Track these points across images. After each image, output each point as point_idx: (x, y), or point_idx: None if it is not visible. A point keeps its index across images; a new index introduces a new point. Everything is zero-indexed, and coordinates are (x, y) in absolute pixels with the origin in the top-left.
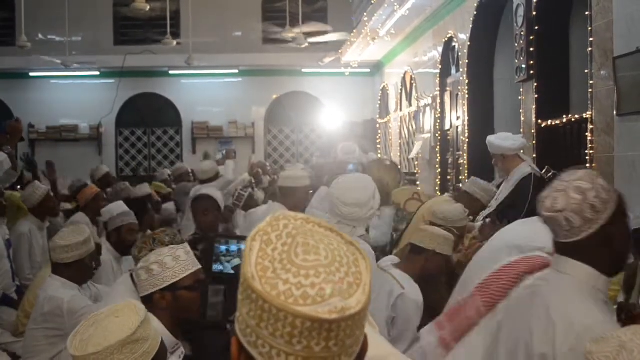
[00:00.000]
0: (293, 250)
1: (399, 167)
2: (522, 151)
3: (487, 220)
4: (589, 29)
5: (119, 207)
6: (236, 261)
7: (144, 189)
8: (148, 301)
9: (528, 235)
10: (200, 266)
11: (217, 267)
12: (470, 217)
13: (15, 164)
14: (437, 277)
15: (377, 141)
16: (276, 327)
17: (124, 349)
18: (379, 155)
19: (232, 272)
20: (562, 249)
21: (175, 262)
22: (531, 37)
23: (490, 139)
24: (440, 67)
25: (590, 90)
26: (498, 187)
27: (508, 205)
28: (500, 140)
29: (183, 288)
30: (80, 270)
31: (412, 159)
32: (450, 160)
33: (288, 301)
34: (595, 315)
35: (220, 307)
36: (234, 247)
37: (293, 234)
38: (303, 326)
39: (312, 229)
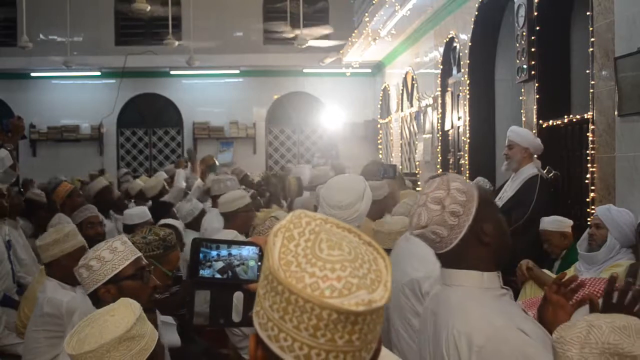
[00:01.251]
0: (317, 246)
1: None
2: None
3: None
4: (590, 29)
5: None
6: (247, 268)
7: (101, 183)
8: (95, 298)
9: (405, 269)
10: (139, 253)
11: (207, 272)
12: None
13: (15, 163)
14: None
15: (378, 142)
16: (301, 320)
17: (120, 346)
18: (380, 156)
19: (244, 277)
20: (444, 261)
21: (112, 254)
22: (532, 38)
23: (520, 129)
24: (441, 67)
25: (591, 90)
26: (501, 187)
27: (512, 205)
28: (529, 134)
29: (125, 278)
30: (62, 271)
31: (414, 159)
32: (451, 161)
33: (314, 293)
34: (487, 323)
35: (207, 312)
36: (224, 252)
37: (316, 231)
38: (329, 318)
39: (330, 228)
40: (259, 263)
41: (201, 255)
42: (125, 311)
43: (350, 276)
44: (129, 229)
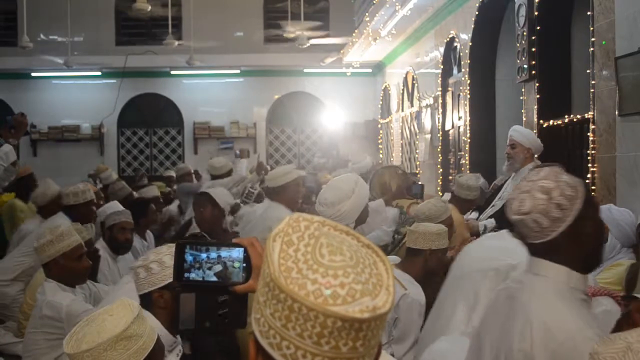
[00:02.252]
0: (318, 251)
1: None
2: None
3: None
4: (591, 29)
5: (111, 206)
6: (217, 267)
7: (152, 191)
8: (147, 299)
9: (498, 254)
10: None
11: (196, 274)
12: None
13: (17, 160)
14: (438, 274)
15: (379, 141)
16: (305, 328)
17: (117, 345)
18: (381, 156)
19: (214, 279)
20: (534, 250)
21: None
22: (533, 37)
23: (523, 129)
24: (441, 67)
25: (592, 90)
26: (501, 186)
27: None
28: (532, 134)
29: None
30: (59, 272)
31: (415, 159)
32: (452, 161)
33: (318, 300)
34: (571, 321)
35: (193, 315)
36: (213, 254)
37: (316, 235)
38: (334, 326)
39: (328, 231)
40: (244, 264)
41: (190, 257)
42: (124, 311)
43: (353, 282)
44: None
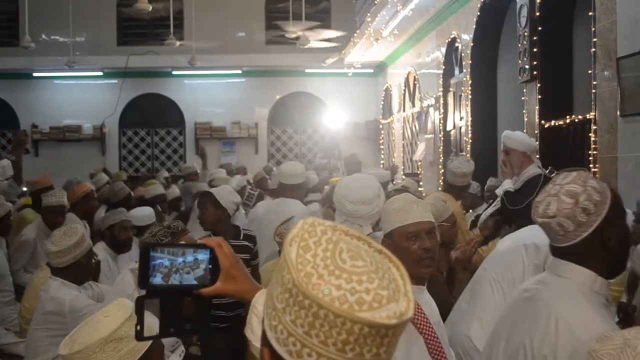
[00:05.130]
0: (338, 256)
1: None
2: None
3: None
4: (593, 29)
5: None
6: (199, 272)
7: (157, 189)
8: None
9: (539, 234)
10: None
11: (160, 278)
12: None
13: (21, 177)
14: (437, 274)
15: (380, 142)
16: (329, 334)
17: (106, 347)
18: (382, 156)
19: (178, 282)
20: (559, 252)
21: None
22: (534, 38)
23: (515, 134)
24: (443, 67)
25: (593, 90)
26: (489, 190)
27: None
28: (525, 136)
29: None
30: (78, 272)
31: (416, 160)
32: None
33: (344, 307)
34: (595, 322)
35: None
36: (190, 258)
37: (334, 240)
38: (360, 332)
39: (341, 236)
40: (210, 266)
41: (156, 261)
42: (119, 312)
43: (378, 288)
44: (140, 231)
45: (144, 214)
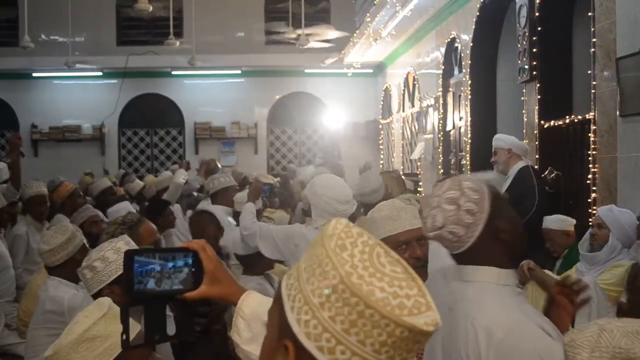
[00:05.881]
0: (376, 260)
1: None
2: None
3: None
4: (592, 29)
5: (125, 207)
6: (181, 275)
7: (104, 183)
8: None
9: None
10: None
11: (144, 284)
12: None
13: (19, 180)
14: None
15: (380, 142)
16: (370, 334)
17: (79, 347)
18: (382, 157)
19: (162, 288)
20: (459, 259)
21: (117, 254)
22: (534, 38)
23: (500, 134)
24: (442, 67)
25: (593, 91)
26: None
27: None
28: (509, 136)
29: None
30: (73, 268)
31: (415, 160)
32: (452, 161)
33: (387, 309)
34: (510, 315)
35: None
36: (180, 263)
37: (370, 244)
38: (400, 336)
39: (374, 240)
40: (193, 269)
41: (139, 267)
42: (97, 312)
43: (418, 295)
44: None
45: (118, 209)
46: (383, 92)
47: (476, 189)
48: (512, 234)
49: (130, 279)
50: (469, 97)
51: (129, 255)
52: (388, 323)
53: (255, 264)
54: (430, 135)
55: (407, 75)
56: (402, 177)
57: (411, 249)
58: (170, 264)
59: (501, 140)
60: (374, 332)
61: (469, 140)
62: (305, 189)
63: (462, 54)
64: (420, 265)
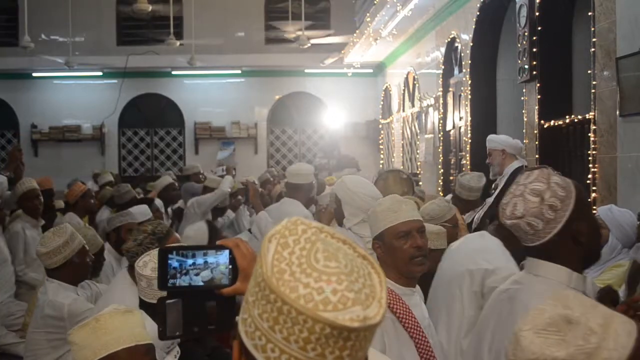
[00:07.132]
0: (313, 256)
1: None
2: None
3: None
4: (592, 29)
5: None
6: (206, 274)
7: (166, 180)
8: (148, 306)
9: (476, 257)
10: None
11: (183, 280)
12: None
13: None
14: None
15: (380, 142)
16: (292, 331)
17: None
18: (381, 159)
19: (201, 283)
20: (532, 251)
21: None
22: (534, 38)
23: (493, 135)
24: (442, 67)
25: (593, 90)
26: (495, 188)
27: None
28: (503, 136)
29: None
30: (72, 271)
31: (415, 159)
32: (452, 161)
33: (308, 305)
34: None
35: (181, 322)
36: (200, 260)
37: (312, 240)
38: (322, 332)
39: (325, 238)
40: (230, 266)
41: (177, 264)
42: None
43: (346, 290)
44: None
45: (139, 211)
46: (383, 92)
47: (564, 186)
48: (590, 239)
49: (165, 274)
50: (469, 97)
51: (163, 252)
52: (305, 319)
53: None
54: (431, 135)
55: (407, 75)
56: (410, 177)
57: (412, 238)
58: (201, 260)
59: (494, 141)
60: (294, 328)
61: (469, 140)
62: (335, 188)
63: (462, 54)
64: (421, 255)
